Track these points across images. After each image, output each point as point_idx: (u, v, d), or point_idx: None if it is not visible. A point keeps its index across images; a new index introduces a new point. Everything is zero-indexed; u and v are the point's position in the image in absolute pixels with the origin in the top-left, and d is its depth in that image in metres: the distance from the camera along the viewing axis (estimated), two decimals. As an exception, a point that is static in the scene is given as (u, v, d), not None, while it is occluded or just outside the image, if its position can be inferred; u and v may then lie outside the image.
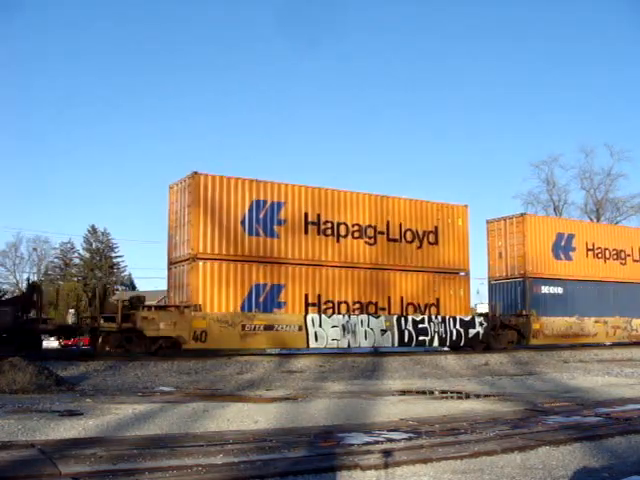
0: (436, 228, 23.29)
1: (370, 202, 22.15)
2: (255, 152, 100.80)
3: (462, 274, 23.72)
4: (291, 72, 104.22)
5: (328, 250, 21.04)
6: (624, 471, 5.60)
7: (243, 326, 18.86)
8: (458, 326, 22.73)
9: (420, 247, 22.86)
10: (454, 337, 22.61)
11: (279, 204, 20.42)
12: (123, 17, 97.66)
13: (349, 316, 20.81)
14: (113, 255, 66.27)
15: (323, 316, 20.32)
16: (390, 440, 6.84)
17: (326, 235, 21.04)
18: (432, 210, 23.36)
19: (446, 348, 23.71)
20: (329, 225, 21.15)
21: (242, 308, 19.21)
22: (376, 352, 21.85)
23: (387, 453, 6.04)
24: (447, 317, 22.62)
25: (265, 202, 20.19)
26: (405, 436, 7.11)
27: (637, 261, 29.72)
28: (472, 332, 23.06)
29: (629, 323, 28.40)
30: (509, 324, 24.70)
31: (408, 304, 22.32)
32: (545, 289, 25.95)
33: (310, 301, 20.42)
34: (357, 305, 21.30)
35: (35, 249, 65.50)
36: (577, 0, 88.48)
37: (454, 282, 23.43)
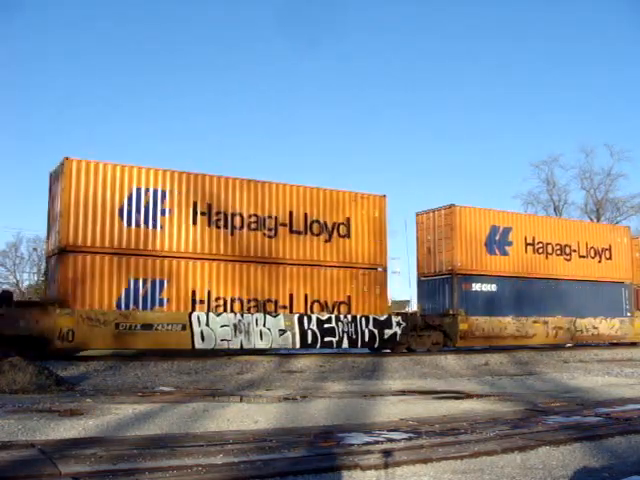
0: (348, 220, 21.35)
1: (271, 191, 20.23)
2: (255, 152, 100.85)
3: (379, 270, 21.73)
4: (291, 72, 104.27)
5: (220, 243, 19.27)
6: (624, 471, 5.61)
7: (117, 325, 17.19)
8: (371, 326, 20.89)
9: (329, 240, 20.94)
10: (366, 338, 20.76)
11: (163, 192, 18.63)
12: (123, 17, 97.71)
13: (242, 315, 19.04)
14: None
15: (211, 314, 18.60)
16: (390, 440, 6.84)
17: (218, 227, 19.27)
18: (344, 200, 21.40)
19: (359, 350, 22.28)
20: (221, 216, 19.38)
21: (118, 305, 17.52)
22: (376, 352, 21.81)
23: (387, 453, 6.05)
24: (358, 316, 20.76)
25: (147, 190, 18.40)
26: (405, 436, 7.12)
27: (584, 257, 27.28)
28: (388, 333, 21.20)
29: (573, 324, 26.06)
30: (433, 324, 22.85)
31: (314, 302, 20.35)
32: (477, 286, 23.80)
33: (198, 298, 18.64)
34: (253, 303, 19.46)
35: (35, 249, 65.44)
36: (577, 0, 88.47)
37: (369, 278, 21.38)
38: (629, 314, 28.22)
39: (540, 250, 25.89)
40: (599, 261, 27.68)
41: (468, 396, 11.49)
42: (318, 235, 20.89)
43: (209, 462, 5.61)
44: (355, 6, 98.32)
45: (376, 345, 21.14)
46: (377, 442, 6.72)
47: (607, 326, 27.13)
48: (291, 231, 20.45)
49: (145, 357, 17.47)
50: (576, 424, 8.16)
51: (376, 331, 21.02)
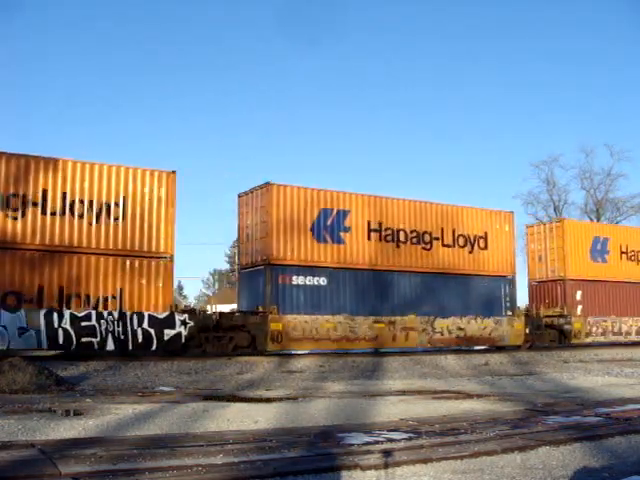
0: (124, 199, 18.04)
1: (64, 170, 17.32)
2: (255, 152, 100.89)
3: (166, 258, 18.41)
4: (291, 72, 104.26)
5: None
6: (624, 471, 5.61)
7: None
8: (146, 325, 17.49)
9: (97, 223, 17.62)
10: (139, 339, 17.38)
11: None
12: (123, 17, 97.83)
13: None
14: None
15: None
16: (390, 440, 6.84)
17: None
18: (117, 178, 18.06)
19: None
20: None
21: None
22: (376, 352, 21.81)
23: (387, 453, 6.04)
24: (128, 314, 17.38)
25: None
26: (405, 436, 7.11)
27: (449, 246, 23.44)
28: (170, 333, 17.84)
29: (430, 324, 22.20)
30: (237, 324, 19.30)
31: (69, 295, 16.91)
32: (299, 279, 20.16)
33: None
34: None
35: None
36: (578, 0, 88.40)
37: (149, 269, 18.02)
38: (509, 313, 24.41)
39: (388, 237, 22.09)
40: (470, 251, 23.77)
41: (468, 396, 11.49)
42: (81, 217, 17.41)
43: (209, 462, 5.61)
44: (355, 6, 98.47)
45: (154, 348, 17.68)
46: (377, 442, 6.72)
47: (478, 327, 23.29)
48: (43, 213, 17.01)
49: (145, 357, 17.47)
50: (576, 424, 8.15)
51: (153, 331, 17.65)
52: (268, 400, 10.57)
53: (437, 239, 23.21)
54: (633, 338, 28.40)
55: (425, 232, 23.00)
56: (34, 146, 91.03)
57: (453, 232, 23.61)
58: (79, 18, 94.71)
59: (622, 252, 28.94)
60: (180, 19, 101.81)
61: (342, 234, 21.33)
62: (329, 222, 21.11)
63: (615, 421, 8.38)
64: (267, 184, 20.54)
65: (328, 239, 21.04)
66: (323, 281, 20.70)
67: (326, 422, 8.24)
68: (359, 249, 21.59)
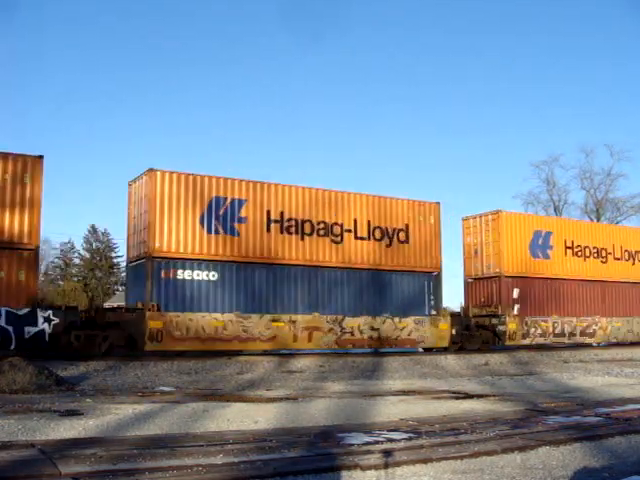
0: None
1: None
2: (258, 146, 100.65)
3: (27, 250, 16.80)
4: (295, 66, 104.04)
5: None
6: (624, 471, 5.61)
7: None
8: (3, 322, 16.07)
9: None
10: None
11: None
12: (126, 11, 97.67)
13: None
14: (113, 255, 66.23)
15: None
16: (390, 440, 6.84)
17: None
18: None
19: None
20: None
21: None
22: (376, 352, 21.80)
23: (387, 453, 6.05)
24: None
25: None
26: (405, 436, 7.12)
27: (362, 238, 21.41)
28: (32, 331, 16.38)
29: (339, 323, 20.41)
30: (110, 321, 17.84)
31: None
32: (185, 274, 18.48)
33: None
34: None
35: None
36: None
37: (8, 260, 16.47)
38: (433, 312, 22.49)
39: (292, 229, 20.23)
40: (388, 245, 21.90)
41: (468, 396, 11.49)
42: None
43: (209, 462, 5.61)
44: (359, 0, 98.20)
45: (12, 347, 16.16)
46: (377, 442, 6.72)
47: (395, 327, 21.46)
48: None
49: (145, 357, 17.49)
50: (576, 424, 8.16)
51: (12, 329, 16.19)
52: (268, 400, 10.58)
53: (349, 231, 21.23)
54: (578, 340, 26.22)
55: (335, 224, 21.04)
56: (33, 145, 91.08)
57: (368, 223, 21.61)
58: (82, 12, 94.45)
59: (567, 247, 26.61)
60: (183, 13, 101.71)
61: (237, 225, 19.45)
62: (221, 212, 19.23)
63: (615, 421, 8.39)
64: (150, 170, 18.65)
65: (220, 230, 19.15)
66: (213, 276, 18.93)
67: (326, 422, 8.25)
68: (256, 241, 19.69)
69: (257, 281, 19.57)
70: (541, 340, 25.19)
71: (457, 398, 11.17)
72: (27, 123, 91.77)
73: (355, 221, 21.39)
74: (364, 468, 5.56)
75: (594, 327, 26.74)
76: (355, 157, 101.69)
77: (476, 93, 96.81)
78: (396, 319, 21.54)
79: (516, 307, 24.65)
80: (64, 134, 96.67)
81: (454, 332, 22.77)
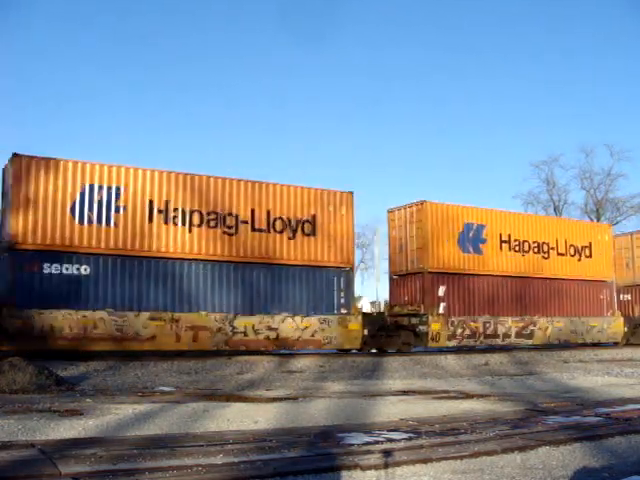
0: None
1: None
2: (258, 146, 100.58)
3: None
4: (294, 66, 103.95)
5: None
6: (624, 471, 5.61)
7: None
8: None
9: None
10: None
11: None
12: (126, 10, 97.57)
13: None
14: None
15: None
16: (390, 440, 6.84)
17: None
18: None
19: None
20: None
21: None
22: (376, 352, 21.80)
23: (387, 453, 6.05)
24: None
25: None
26: (405, 436, 7.12)
27: (261, 230, 19.63)
28: None
29: (229, 323, 18.60)
30: None
31: None
32: (54, 268, 16.67)
33: None
34: None
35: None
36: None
37: None
38: (343, 311, 20.56)
39: (177, 219, 18.50)
40: (291, 237, 20.02)
41: (468, 396, 11.49)
42: None
43: (209, 462, 5.62)
44: (359, 0, 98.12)
45: None
46: (377, 442, 6.72)
47: (296, 327, 19.54)
48: None
49: (145, 357, 17.50)
50: (576, 424, 8.16)
51: None
52: (268, 400, 10.58)
53: (245, 222, 19.39)
54: (513, 342, 24.18)
55: (229, 214, 19.19)
56: (33, 144, 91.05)
57: (268, 214, 19.70)
58: (82, 11, 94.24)
59: (503, 241, 24.35)
60: (183, 12, 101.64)
61: (114, 215, 17.68)
62: (96, 200, 17.49)
63: (615, 421, 8.39)
64: (16, 155, 16.86)
65: (94, 220, 17.41)
66: (85, 270, 17.14)
67: (326, 422, 8.25)
68: (137, 232, 17.88)
69: (140, 276, 17.82)
70: (471, 342, 23.28)
71: (457, 398, 11.17)
72: (25, 122, 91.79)
73: (252, 211, 19.56)
74: (364, 468, 5.56)
75: (532, 327, 24.55)
76: (355, 157, 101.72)
77: (476, 93, 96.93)
78: (297, 318, 19.58)
79: (442, 306, 22.59)
80: (64, 134, 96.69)
81: (366, 332, 20.85)
